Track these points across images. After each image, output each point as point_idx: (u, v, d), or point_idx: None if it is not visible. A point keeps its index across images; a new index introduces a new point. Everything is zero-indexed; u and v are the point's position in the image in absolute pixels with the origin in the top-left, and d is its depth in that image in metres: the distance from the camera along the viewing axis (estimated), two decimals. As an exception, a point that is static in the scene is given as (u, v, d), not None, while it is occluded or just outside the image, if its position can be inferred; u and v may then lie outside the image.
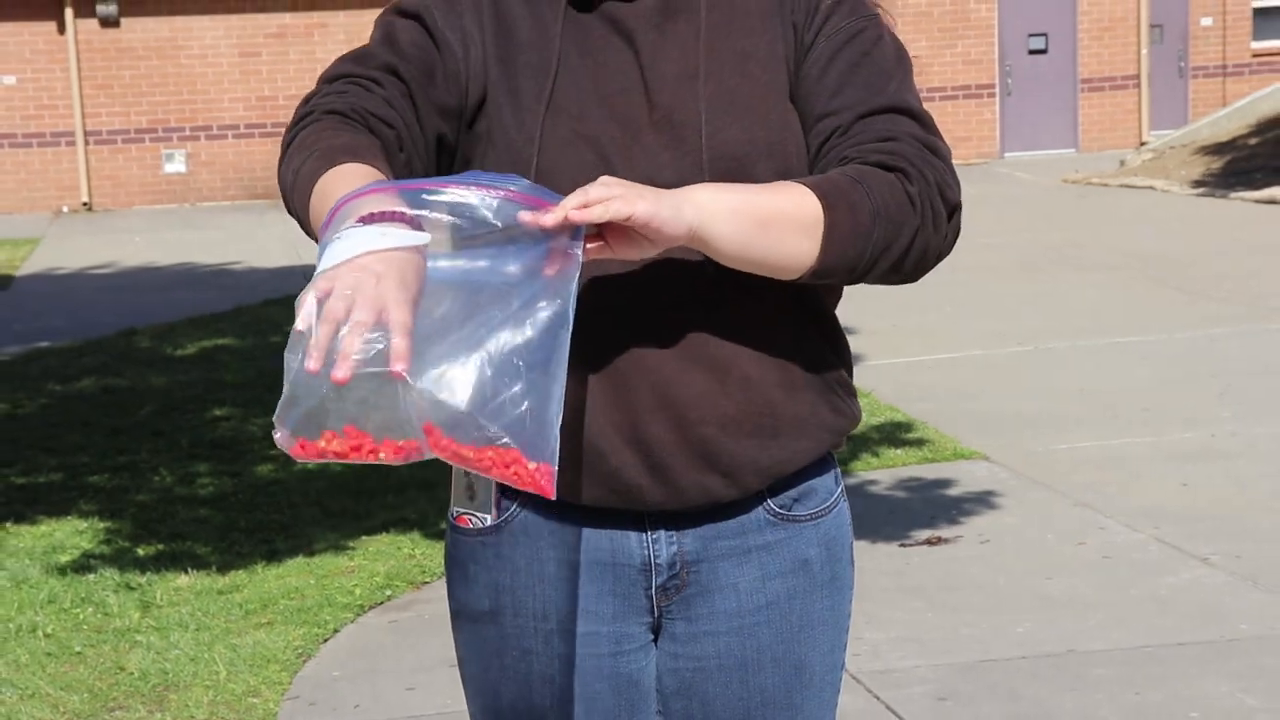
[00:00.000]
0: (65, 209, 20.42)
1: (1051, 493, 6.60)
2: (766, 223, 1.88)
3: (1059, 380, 8.67)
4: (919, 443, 7.37)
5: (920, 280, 2.06)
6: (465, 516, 2.12)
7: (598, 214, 1.76)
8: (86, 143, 20.40)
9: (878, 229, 1.92)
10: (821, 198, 1.90)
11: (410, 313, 1.64)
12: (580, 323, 1.79)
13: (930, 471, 6.94)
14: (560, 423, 1.73)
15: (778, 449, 2.05)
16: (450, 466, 1.91)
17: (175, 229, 18.11)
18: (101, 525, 6.61)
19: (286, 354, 1.68)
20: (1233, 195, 16.32)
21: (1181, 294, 11.11)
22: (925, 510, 6.41)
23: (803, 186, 1.91)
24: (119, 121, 20.47)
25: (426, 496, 6.65)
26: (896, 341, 9.43)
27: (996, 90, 21.98)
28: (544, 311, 1.74)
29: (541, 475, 1.71)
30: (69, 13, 19.98)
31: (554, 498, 1.73)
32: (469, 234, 1.75)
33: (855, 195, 1.91)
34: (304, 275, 13.58)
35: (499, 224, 1.75)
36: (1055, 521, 6.22)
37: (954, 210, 2.00)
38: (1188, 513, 6.25)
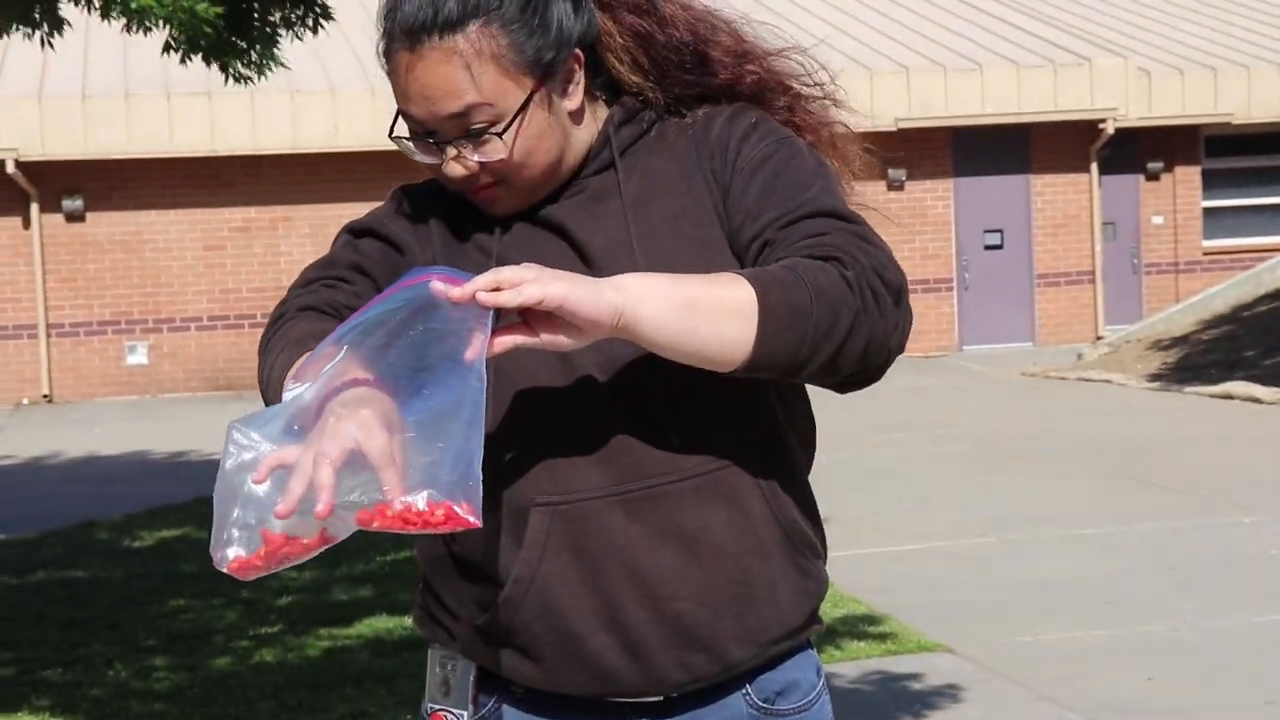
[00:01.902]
0: (25, 401, 20.37)
1: (1016, 686, 6.55)
2: (695, 305, 1.84)
3: (1021, 571, 8.65)
4: (882, 636, 7.31)
5: (879, 381, 1.99)
6: (440, 713, 2.08)
7: (507, 299, 1.74)
8: (49, 335, 20.42)
9: (815, 309, 1.85)
10: (754, 282, 1.86)
11: (381, 437, 1.71)
12: (549, 503, 1.77)
13: (894, 664, 6.88)
14: (479, 458, 1.74)
15: (754, 617, 2.02)
16: (424, 661, 1.90)
17: (136, 420, 18.06)
18: (54, 720, 6.50)
19: (228, 480, 1.72)
20: (1188, 390, 16.44)
21: (1140, 486, 11.14)
22: (890, 704, 6.35)
23: (734, 274, 1.89)
24: (82, 314, 20.51)
25: (386, 688, 6.57)
26: (859, 532, 9.40)
27: (954, 284, 22.22)
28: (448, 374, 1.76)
29: (465, 511, 1.73)
30: (34, 208, 20.12)
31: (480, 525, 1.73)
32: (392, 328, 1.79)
33: (788, 279, 1.87)
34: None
35: (419, 302, 1.77)
36: (1020, 716, 6.17)
37: (898, 293, 1.92)
38: (1153, 706, 6.20)
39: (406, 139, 2.05)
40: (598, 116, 2.11)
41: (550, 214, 2.06)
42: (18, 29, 6.87)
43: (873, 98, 20.84)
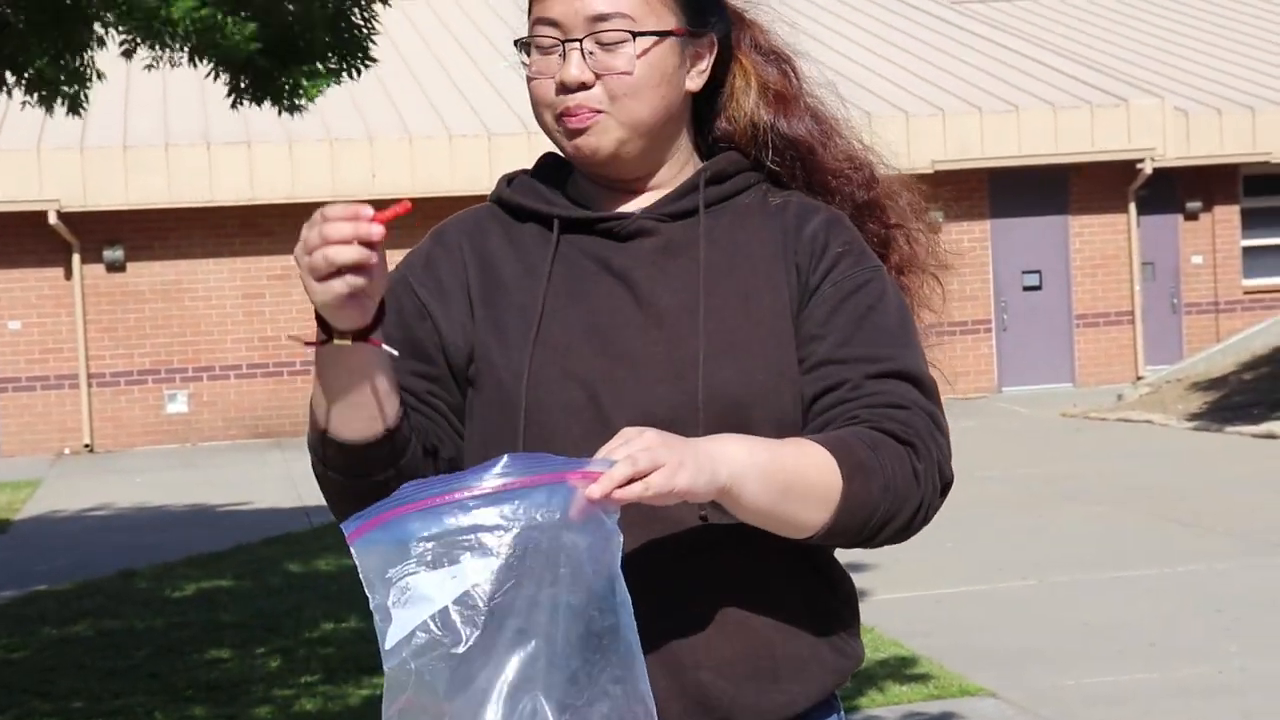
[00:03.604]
0: (67, 450, 20.46)
1: (1059, 730, 6.51)
2: (790, 488, 1.86)
3: (1063, 614, 8.60)
4: (924, 678, 7.28)
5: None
6: None
7: (635, 494, 1.72)
8: (90, 385, 20.51)
9: (884, 503, 1.92)
10: (842, 466, 1.89)
11: None
12: None
13: (936, 708, 6.85)
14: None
15: (778, 692, 2.00)
16: None
17: (176, 469, 18.12)
18: (95, 770, 6.50)
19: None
20: (1229, 430, 16.36)
21: (1183, 527, 11.07)
22: (932, 749, 6.31)
23: (826, 452, 1.89)
24: (122, 363, 20.60)
25: (426, 738, 6.54)
26: (899, 576, 9.37)
27: (993, 326, 22.17)
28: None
29: None
30: (76, 259, 20.23)
31: None
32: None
33: (871, 466, 1.91)
34: (305, 514, 13.58)
35: (558, 514, 1.71)
36: (1064, 759, 6.13)
37: (948, 486, 2.02)
38: (1198, 749, 6.16)
39: (524, 48, 2.05)
40: (693, 160, 2.12)
41: (616, 256, 2.04)
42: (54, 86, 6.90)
43: (909, 140, 20.88)
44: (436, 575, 1.68)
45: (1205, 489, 12.78)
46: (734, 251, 2.05)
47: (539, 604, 1.69)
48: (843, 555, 2.02)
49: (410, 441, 1.95)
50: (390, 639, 1.68)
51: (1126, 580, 9.41)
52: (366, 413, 1.89)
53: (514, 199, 2.12)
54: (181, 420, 20.75)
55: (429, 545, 1.69)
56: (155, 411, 20.72)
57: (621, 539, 1.72)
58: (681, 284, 2.02)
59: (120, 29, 6.25)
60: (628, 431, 1.77)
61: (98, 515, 14.80)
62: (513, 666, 1.68)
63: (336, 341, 1.85)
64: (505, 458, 1.73)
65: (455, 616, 1.68)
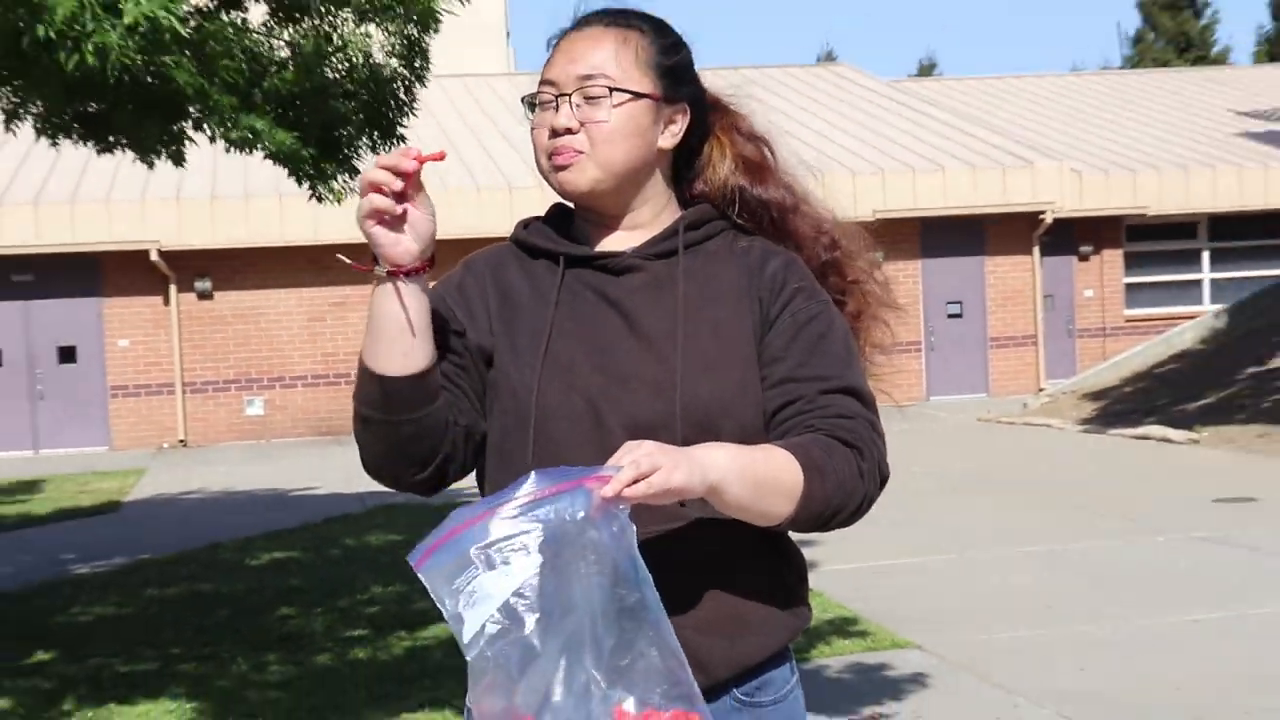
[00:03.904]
0: (165, 445, 20.44)
1: (972, 676, 6.53)
2: (763, 485, 1.87)
3: (977, 582, 8.62)
4: (863, 634, 7.29)
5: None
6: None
7: (641, 492, 1.73)
8: (184, 392, 20.50)
9: (835, 499, 1.93)
10: (803, 468, 1.90)
11: None
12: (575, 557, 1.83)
13: (873, 658, 6.87)
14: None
15: (745, 645, 2.03)
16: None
17: (253, 461, 18.12)
18: (188, 706, 6.51)
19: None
20: (1112, 431, 16.38)
21: (1074, 511, 11.10)
22: (869, 691, 6.33)
23: (790, 456, 1.91)
24: (210, 374, 20.59)
25: (455, 681, 6.56)
26: (844, 551, 9.38)
27: (922, 346, 22.19)
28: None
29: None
30: (173, 289, 20.23)
31: None
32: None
33: (826, 469, 1.92)
34: (360, 499, 13.56)
35: (581, 513, 1.71)
36: (975, 700, 6.14)
37: (885, 479, 2.03)
38: (1084, 693, 6.18)
39: (530, 103, 2.06)
40: (670, 210, 2.11)
41: (612, 289, 2.04)
42: (160, 152, 6.98)
43: (855, 194, 20.90)
44: (494, 575, 1.68)
45: (1093, 480, 12.80)
46: (706, 286, 2.05)
47: (577, 589, 1.69)
48: (797, 534, 2.06)
49: (439, 393, 1.96)
50: (467, 635, 1.68)
51: (1028, 554, 9.43)
52: (401, 349, 1.92)
53: (528, 240, 2.12)
54: (258, 421, 20.74)
55: (484, 552, 1.68)
56: (237, 414, 20.70)
57: (635, 529, 1.72)
58: (664, 313, 2.03)
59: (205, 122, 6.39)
60: (630, 444, 1.77)
61: (191, 498, 14.82)
62: (566, 643, 1.68)
63: (376, 269, 1.91)
64: (532, 474, 1.73)
65: (516, 606, 1.68)
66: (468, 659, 1.69)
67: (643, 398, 1.98)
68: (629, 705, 1.68)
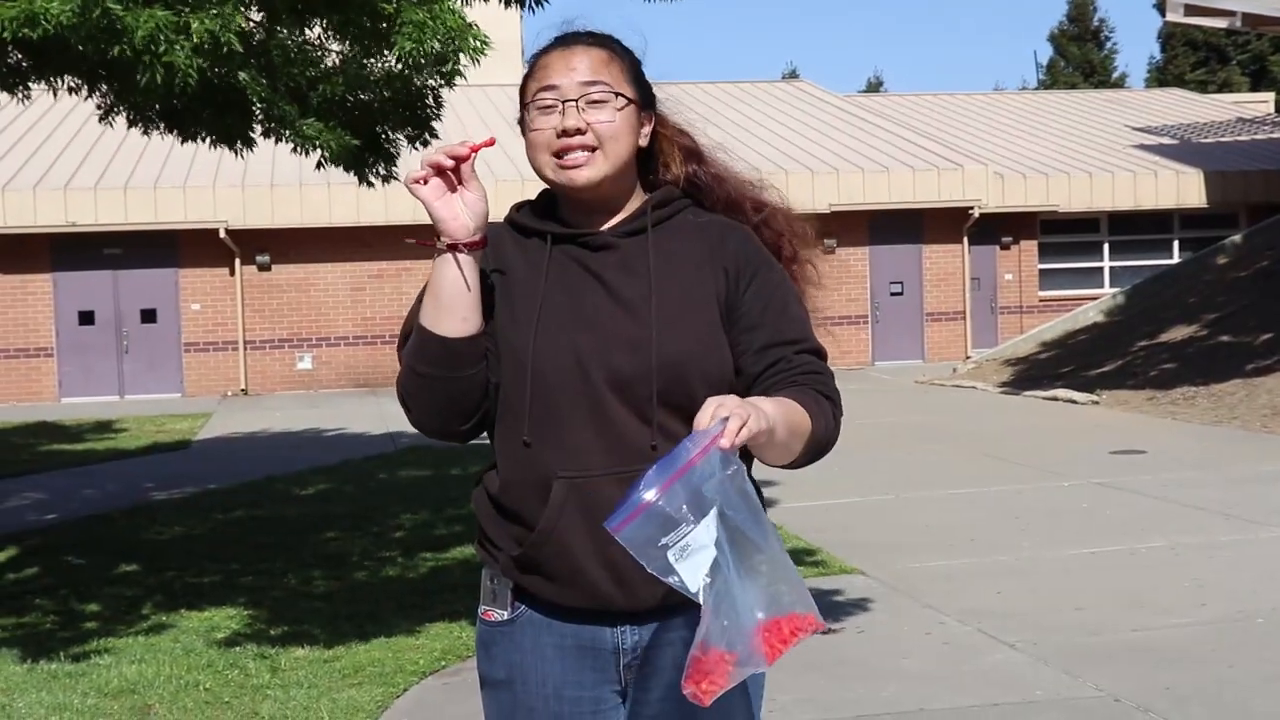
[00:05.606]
0: (229, 393, 20.40)
1: (908, 598, 6.54)
2: (794, 429, 1.85)
3: (912, 519, 8.63)
4: (818, 563, 7.30)
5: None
6: (489, 611, 2.07)
7: (744, 436, 1.69)
8: (246, 348, 20.45)
9: (824, 439, 1.93)
10: (813, 419, 1.89)
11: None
12: (567, 476, 1.81)
13: (826, 583, 6.88)
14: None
15: None
16: (480, 573, 1.87)
17: (303, 408, 18.09)
18: (247, 613, 6.51)
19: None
20: (1026, 393, 16.40)
21: (994, 460, 11.12)
22: (822, 610, 6.29)
23: (800, 406, 1.89)
24: (267, 334, 20.54)
25: (471, 594, 6.55)
26: (802, 490, 9.40)
27: (869, 319, 22.18)
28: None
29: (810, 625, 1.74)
30: (237, 262, 20.17)
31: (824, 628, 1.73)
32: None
33: (820, 415, 1.92)
34: (391, 439, 13.55)
35: (734, 467, 1.70)
36: (909, 618, 6.16)
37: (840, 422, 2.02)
38: (1000, 612, 6.19)
39: (535, 106, 2.01)
40: (638, 196, 2.09)
41: (594, 262, 2.02)
42: (230, 147, 6.98)
43: (813, 190, 20.85)
44: (702, 525, 1.67)
45: (1010, 433, 12.83)
46: (672, 258, 2.03)
47: (735, 522, 1.69)
48: (760, 474, 2.04)
49: (485, 353, 1.96)
50: (692, 584, 1.67)
51: (955, 496, 9.45)
52: (459, 315, 1.92)
53: (521, 221, 2.10)
54: (307, 374, 20.70)
55: (684, 509, 1.67)
56: (290, 368, 20.65)
57: (742, 466, 1.71)
58: (638, 281, 2.00)
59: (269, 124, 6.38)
60: (711, 400, 1.72)
61: (250, 437, 14.81)
62: (750, 565, 1.69)
63: (439, 243, 1.91)
64: (680, 445, 1.70)
65: (724, 544, 1.68)
66: (700, 599, 1.68)
67: (623, 354, 1.96)
68: (761, 614, 1.70)
